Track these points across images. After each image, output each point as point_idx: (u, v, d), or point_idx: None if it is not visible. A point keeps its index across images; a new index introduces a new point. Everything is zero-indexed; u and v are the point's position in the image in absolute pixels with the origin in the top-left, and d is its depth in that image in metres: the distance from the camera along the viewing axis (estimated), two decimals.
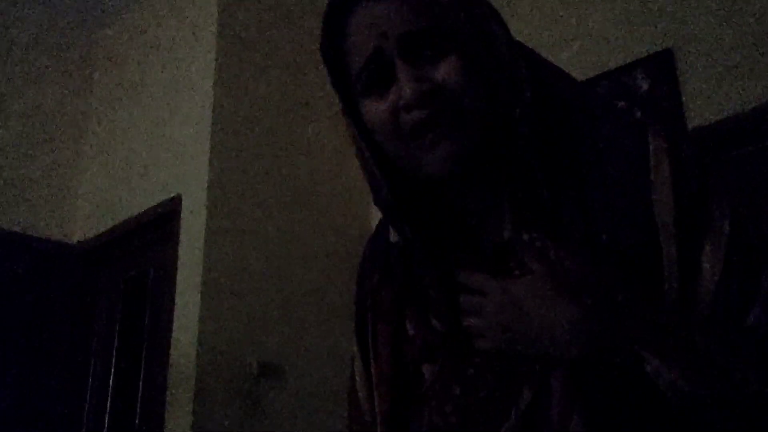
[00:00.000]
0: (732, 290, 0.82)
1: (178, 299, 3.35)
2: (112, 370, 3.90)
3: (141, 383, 3.64)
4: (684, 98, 2.87)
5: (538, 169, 0.87)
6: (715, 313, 0.81)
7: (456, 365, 0.91)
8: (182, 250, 3.42)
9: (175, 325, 3.31)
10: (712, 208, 0.84)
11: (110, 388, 3.88)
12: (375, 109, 0.91)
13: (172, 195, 3.58)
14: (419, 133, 0.88)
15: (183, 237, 3.44)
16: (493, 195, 0.94)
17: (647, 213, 0.84)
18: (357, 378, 1.07)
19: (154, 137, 3.84)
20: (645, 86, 2.98)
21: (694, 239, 0.83)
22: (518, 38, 0.95)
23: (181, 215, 3.48)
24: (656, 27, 3.04)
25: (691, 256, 0.83)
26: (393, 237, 1.02)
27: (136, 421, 3.60)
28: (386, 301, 1.01)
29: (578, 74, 1.18)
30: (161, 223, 3.63)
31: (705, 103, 2.83)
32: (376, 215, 4.20)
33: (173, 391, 3.21)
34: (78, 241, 4.12)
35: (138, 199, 3.80)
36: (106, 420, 3.83)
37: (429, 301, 0.95)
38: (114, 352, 3.92)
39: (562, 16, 3.35)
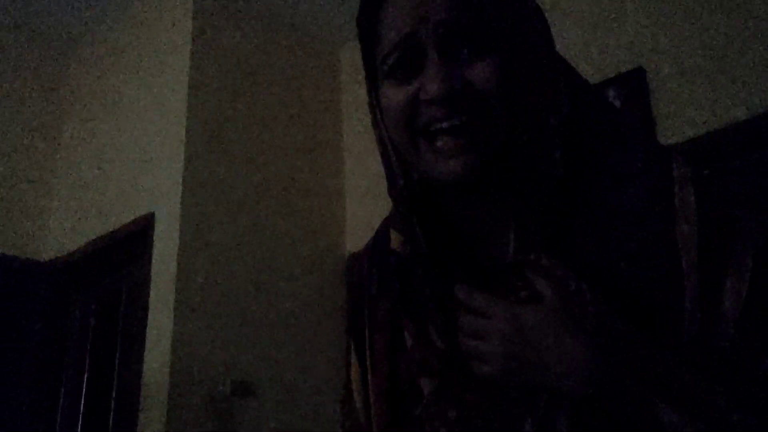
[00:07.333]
0: (750, 332, 0.78)
1: (150, 318, 3.32)
2: (84, 390, 3.86)
3: (113, 402, 3.61)
4: (655, 117, 2.90)
5: (563, 189, 0.83)
6: (732, 353, 0.78)
7: (454, 387, 0.86)
8: (155, 269, 3.39)
9: (148, 343, 3.28)
10: (736, 242, 0.80)
11: (82, 408, 3.84)
12: (393, 95, 0.86)
13: (144, 213, 3.55)
14: (436, 133, 0.83)
15: (156, 255, 3.42)
16: (501, 209, 0.89)
17: (670, 243, 0.80)
18: (354, 388, 1.02)
19: (127, 154, 3.82)
20: (617, 104, 3.00)
21: (717, 273, 0.79)
22: None
23: (154, 233, 3.46)
24: (628, 45, 3.08)
25: (713, 291, 0.79)
26: (394, 243, 0.96)
27: None
28: (384, 311, 0.97)
29: None
30: (134, 241, 3.60)
31: (676, 121, 2.86)
32: (351, 236, 4.19)
33: (145, 410, 3.18)
34: (49, 260, 4.07)
35: (110, 217, 3.76)
36: None
37: (429, 314, 0.90)
38: (86, 371, 3.88)
39: None
